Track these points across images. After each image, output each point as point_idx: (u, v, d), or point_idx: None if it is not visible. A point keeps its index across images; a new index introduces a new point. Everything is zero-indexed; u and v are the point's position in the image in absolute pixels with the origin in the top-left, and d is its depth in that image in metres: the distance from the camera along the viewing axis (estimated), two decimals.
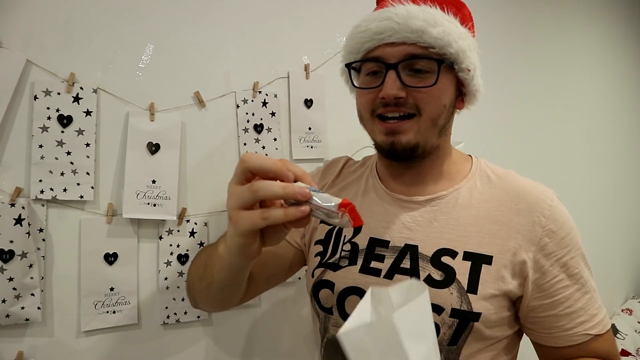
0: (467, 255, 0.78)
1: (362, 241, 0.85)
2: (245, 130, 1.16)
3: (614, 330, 2.65)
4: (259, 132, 1.18)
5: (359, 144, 1.27)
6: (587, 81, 2.44)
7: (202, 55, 1.12)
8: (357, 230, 0.87)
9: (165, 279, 1.07)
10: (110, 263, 1.01)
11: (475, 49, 0.82)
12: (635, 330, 2.66)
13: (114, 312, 1.02)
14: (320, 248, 0.92)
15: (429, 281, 0.77)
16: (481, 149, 1.74)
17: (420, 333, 0.51)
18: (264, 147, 1.18)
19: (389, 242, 0.84)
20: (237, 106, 1.16)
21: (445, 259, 0.78)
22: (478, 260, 0.77)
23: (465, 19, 0.82)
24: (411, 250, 0.81)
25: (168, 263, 1.07)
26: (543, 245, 0.77)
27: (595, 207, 2.52)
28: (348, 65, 0.84)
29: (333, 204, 0.56)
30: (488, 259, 0.77)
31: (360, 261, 0.83)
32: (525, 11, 2.02)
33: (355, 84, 0.86)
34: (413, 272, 0.79)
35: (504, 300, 0.77)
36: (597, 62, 2.50)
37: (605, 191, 2.61)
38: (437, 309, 0.75)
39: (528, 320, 0.81)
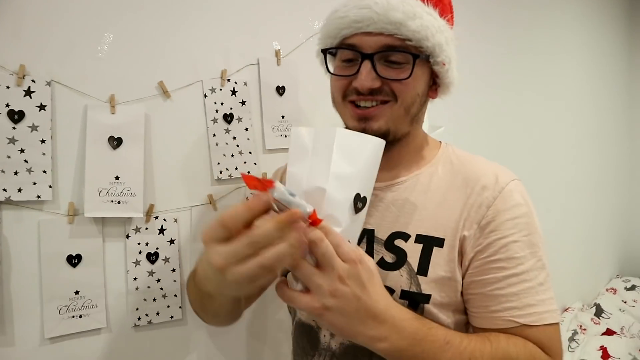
0: (419, 238, 0.78)
1: None
2: (214, 120, 1.11)
3: (599, 309, 2.66)
4: (228, 122, 1.13)
5: None
6: (569, 66, 2.42)
7: (166, 42, 1.06)
8: None
9: (135, 279, 1.02)
10: (74, 265, 0.95)
11: (453, 41, 0.81)
12: (620, 309, 2.68)
13: (80, 317, 0.96)
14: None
15: (382, 264, 0.79)
16: (460, 136, 1.72)
17: (351, 157, 0.60)
18: (234, 138, 1.13)
19: None
20: (205, 95, 1.10)
21: (398, 242, 0.79)
22: (429, 243, 0.77)
23: (445, 9, 0.81)
24: (368, 234, 0.82)
25: (137, 262, 1.02)
26: (485, 224, 0.76)
27: (578, 189, 2.52)
28: (324, 51, 0.83)
29: (307, 209, 0.56)
30: (439, 242, 0.77)
31: None
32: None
33: (330, 68, 0.84)
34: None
35: (457, 282, 0.77)
36: (580, 46, 2.49)
37: (588, 174, 2.61)
38: (388, 290, 0.74)
39: (464, 299, 0.79)
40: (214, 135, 1.11)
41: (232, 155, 1.13)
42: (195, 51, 1.10)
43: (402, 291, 0.77)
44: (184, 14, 1.08)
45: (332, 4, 0.80)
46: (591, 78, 2.62)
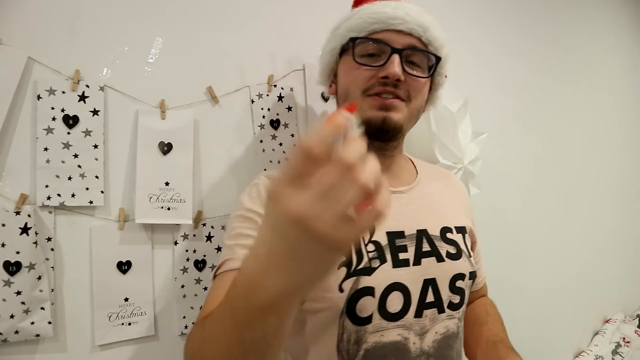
0: (457, 229, 0.90)
1: (381, 237, 0.82)
2: (261, 126, 1.10)
3: None
4: (275, 128, 1.11)
5: None
6: (609, 65, 2.35)
7: (214, 48, 1.05)
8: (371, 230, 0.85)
9: (182, 286, 1.01)
10: (124, 272, 0.95)
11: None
12: None
13: (130, 324, 0.95)
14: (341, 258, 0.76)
15: (449, 255, 0.85)
16: (503, 141, 1.68)
17: None
18: (281, 144, 1.12)
19: (403, 231, 0.85)
20: (252, 101, 1.09)
21: (449, 235, 0.88)
22: (463, 231, 0.91)
23: None
24: (424, 234, 0.86)
25: (184, 270, 1.01)
26: (472, 217, 1.00)
27: (621, 195, 2.43)
28: (353, 40, 0.83)
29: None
30: (465, 229, 0.92)
31: (389, 257, 0.81)
32: None
33: (347, 61, 0.86)
34: (435, 253, 0.84)
35: None
36: (617, 43, 2.41)
37: (632, 180, 2.52)
38: (461, 276, 0.85)
39: None
40: (261, 141, 1.09)
41: (279, 162, 1.12)
42: (243, 57, 1.09)
43: (470, 273, 0.86)
44: (231, 20, 1.07)
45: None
46: (633, 79, 2.54)
